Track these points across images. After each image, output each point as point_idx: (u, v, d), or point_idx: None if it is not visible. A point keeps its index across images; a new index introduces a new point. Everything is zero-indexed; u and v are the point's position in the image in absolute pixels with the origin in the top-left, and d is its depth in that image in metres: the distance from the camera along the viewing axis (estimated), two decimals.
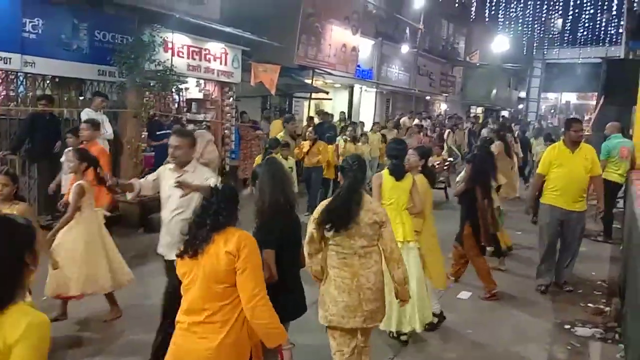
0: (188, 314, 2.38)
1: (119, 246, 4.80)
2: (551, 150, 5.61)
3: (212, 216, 2.38)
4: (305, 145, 9.20)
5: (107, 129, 7.31)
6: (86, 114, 7.08)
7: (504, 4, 28.15)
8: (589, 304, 5.41)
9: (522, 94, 37.31)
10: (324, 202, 3.24)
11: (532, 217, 7.79)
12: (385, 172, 4.45)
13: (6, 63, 6.89)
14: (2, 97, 7.50)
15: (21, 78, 7.52)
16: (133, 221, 7.57)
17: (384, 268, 3.26)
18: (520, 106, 37.21)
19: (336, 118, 15.19)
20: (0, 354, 1.53)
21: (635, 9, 14.86)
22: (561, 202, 5.41)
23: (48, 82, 7.91)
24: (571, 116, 31.98)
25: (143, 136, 8.59)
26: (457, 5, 24.41)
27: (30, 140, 7.00)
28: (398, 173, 4.34)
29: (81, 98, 8.27)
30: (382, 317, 3.31)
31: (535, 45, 35.25)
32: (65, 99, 8.06)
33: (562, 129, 5.37)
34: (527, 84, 37.05)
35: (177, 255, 2.41)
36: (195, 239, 2.36)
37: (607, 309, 5.19)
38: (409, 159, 4.63)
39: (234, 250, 2.30)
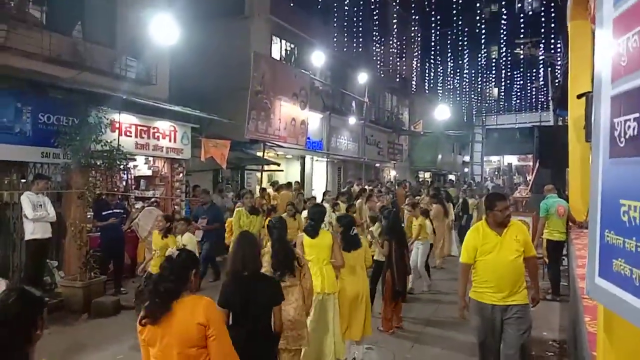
0: None
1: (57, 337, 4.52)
2: (474, 233, 4.35)
3: (166, 284, 2.55)
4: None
5: (50, 212, 7.11)
6: (27, 196, 6.87)
7: (441, 77, 30.11)
8: None
9: (467, 158, 39.09)
10: (265, 253, 4.02)
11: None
12: (304, 232, 5.04)
13: None
14: None
15: None
16: (76, 306, 7.17)
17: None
18: (466, 170, 38.85)
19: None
20: None
21: (558, 80, 16.20)
22: (494, 298, 4.18)
23: None
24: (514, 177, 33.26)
25: (89, 217, 8.35)
26: (398, 79, 25.92)
27: None
28: (312, 232, 4.91)
29: (23, 181, 8.04)
30: (306, 342, 4.10)
31: (474, 112, 37.53)
32: (6, 182, 7.81)
33: (486, 208, 4.33)
34: (470, 148, 38.94)
35: (139, 322, 2.54)
36: (155, 307, 2.51)
37: None
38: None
39: (204, 322, 2.49)
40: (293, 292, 3.99)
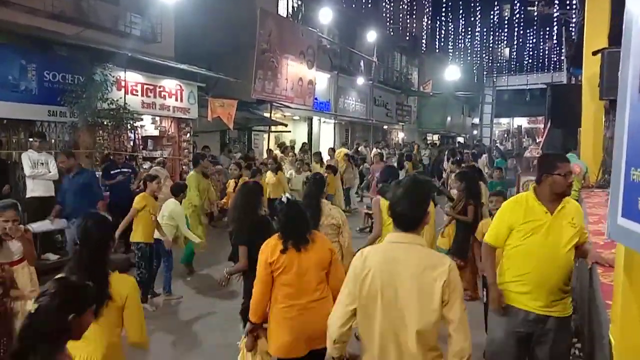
0: (302, 296, 3.03)
1: None
2: (513, 205, 3.11)
3: (307, 220, 3.23)
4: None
5: (51, 170, 7.06)
6: (27, 155, 6.86)
7: (452, 36, 29.45)
8: None
9: (476, 120, 38.65)
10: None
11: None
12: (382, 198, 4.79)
13: None
14: None
15: None
16: None
17: None
18: (475, 132, 38.49)
19: (297, 150, 15.38)
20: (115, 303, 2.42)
21: (572, 37, 15.76)
22: (531, 303, 2.95)
23: None
24: (524, 139, 32.94)
25: (97, 176, 8.37)
26: (408, 38, 25.35)
27: None
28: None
29: (31, 140, 8.03)
30: None
31: (485, 73, 36.84)
32: (14, 141, 7.81)
33: (537, 175, 3.11)
34: (480, 110, 38.43)
35: (281, 251, 3.00)
36: (300, 239, 3.07)
37: None
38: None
39: (332, 248, 3.22)
40: None
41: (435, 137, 31.38)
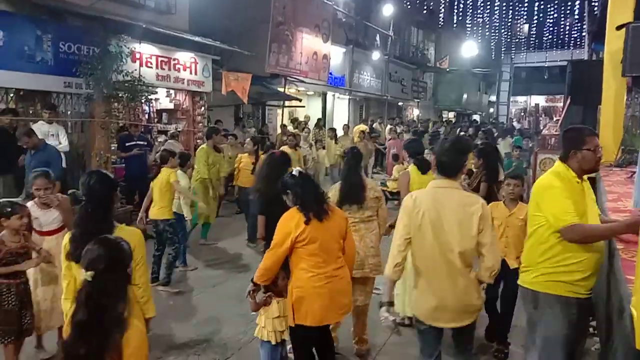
0: (328, 264, 3.18)
1: None
2: (564, 184, 2.83)
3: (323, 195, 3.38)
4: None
5: (62, 141, 7.10)
6: (38, 127, 6.88)
7: (470, 10, 28.75)
8: None
9: (492, 98, 38.05)
10: (336, 187, 4.11)
11: None
12: (412, 168, 4.86)
13: None
14: None
15: None
16: None
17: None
18: (491, 110, 37.92)
19: (312, 125, 15.31)
20: None
21: (595, 12, 15.32)
22: (583, 290, 2.83)
23: (12, 95, 7.70)
24: (541, 118, 32.38)
25: (113, 148, 8.43)
26: (425, 12, 24.83)
27: None
28: (423, 167, 4.78)
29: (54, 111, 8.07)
30: (382, 270, 3.84)
31: (503, 49, 36.06)
32: (31, 112, 7.85)
33: (563, 151, 2.95)
34: (497, 87, 37.78)
35: (305, 222, 3.11)
36: (322, 210, 3.19)
37: None
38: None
39: (345, 218, 3.47)
40: (372, 221, 4.13)
41: (451, 114, 30.99)
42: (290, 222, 3.15)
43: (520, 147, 9.84)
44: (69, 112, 8.39)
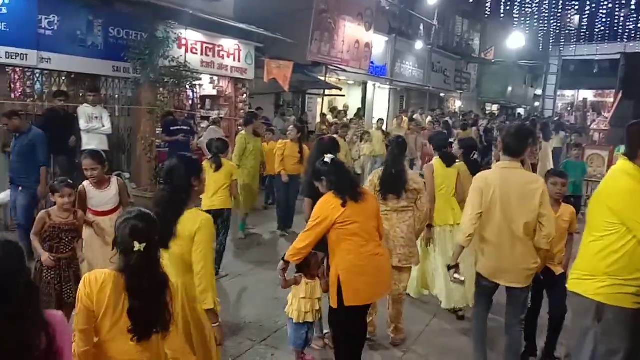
0: (369, 243, 3.29)
1: None
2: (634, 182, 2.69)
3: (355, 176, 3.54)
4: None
5: (106, 124, 7.25)
6: (83, 108, 7.07)
7: (519, 0, 27.82)
8: None
9: (538, 91, 36.83)
10: (378, 173, 4.18)
11: None
12: (436, 160, 4.87)
13: (22, 59, 6.95)
14: (19, 93, 7.58)
15: (37, 74, 7.58)
16: None
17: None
18: (537, 104, 36.74)
19: (351, 115, 15.23)
20: (183, 240, 2.56)
21: None
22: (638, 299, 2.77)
23: (64, 78, 7.98)
24: (589, 114, 31.18)
25: (157, 132, 8.62)
26: (471, 1, 24.17)
27: (47, 136, 7.02)
28: (448, 160, 4.83)
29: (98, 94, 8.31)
30: (416, 261, 4.23)
31: (551, 41, 34.75)
32: (81, 95, 8.12)
33: (628, 148, 2.79)
34: (543, 81, 36.50)
35: (342, 205, 3.23)
36: (357, 193, 3.33)
37: None
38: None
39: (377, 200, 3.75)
40: (407, 211, 4.15)
41: (495, 107, 30.20)
42: (327, 205, 3.27)
43: (580, 145, 9.24)
44: (116, 96, 8.63)
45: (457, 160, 4.95)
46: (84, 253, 3.87)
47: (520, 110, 31.07)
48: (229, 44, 10.54)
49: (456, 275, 3.50)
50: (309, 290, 3.62)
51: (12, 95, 7.45)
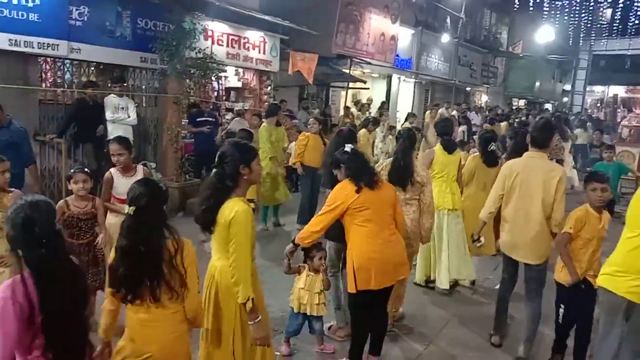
0: (382, 230, 3.37)
1: None
2: None
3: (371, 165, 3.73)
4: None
5: (131, 114, 7.30)
6: (110, 100, 7.17)
7: None
8: None
9: (567, 87, 35.99)
10: (387, 164, 4.30)
11: None
12: (437, 147, 5.15)
13: (54, 50, 7.06)
14: (49, 83, 7.73)
15: (67, 64, 7.72)
16: (172, 205, 7.67)
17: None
18: (565, 99, 35.93)
19: (375, 108, 15.13)
20: (221, 227, 2.59)
21: None
22: None
23: (92, 68, 8.10)
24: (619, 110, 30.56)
25: (183, 123, 8.71)
26: None
27: (76, 125, 7.17)
28: (449, 147, 5.10)
29: (124, 85, 8.41)
30: (412, 251, 4.27)
31: (581, 35, 33.86)
32: (109, 85, 8.23)
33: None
34: (573, 76, 35.63)
35: (356, 191, 3.31)
36: (373, 180, 3.39)
37: None
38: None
39: (395, 190, 3.69)
40: (412, 204, 4.21)
41: (522, 102, 29.65)
42: (342, 191, 3.37)
43: (612, 147, 8.89)
44: (143, 87, 8.73)
45: (458, 149, 5.36)
46: (111, 236, 3.91)
47: (548, 106, 30.41)
48: (254, 35, 10.56)
49: (478, 244, 4.10)
50: (308, 282, 3.74)
51: (43, 85, 7.60)
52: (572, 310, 3.70)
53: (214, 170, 2.74)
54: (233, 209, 2.57)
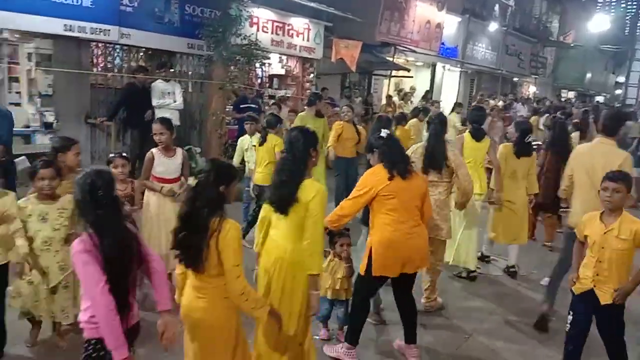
0: (406, 221, 3.34)
1: None
2: None
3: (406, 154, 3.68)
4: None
5: (177, 99, 7.40)
6: (157, 84, 7.27)
7: None
8: None
9: (621, 79, 34.44)
10: (418, 147, 4.36)
11: None
12: (466, 134, 5.28)
13: (105, 35, 7.25)
14: (100, 67, 7.97)
15: (117, 49, 7.92)
16: None
17: None
18: (618, 91, 34.38)
19: (417, 98, 14.89)
20: (301, 206, 2.73)
21: None
22: None
23: (142, 53, 8.28)
24: None
25: (227, 109, 8.81)
26: None
27: (125, 109, 7.37)
28: (478, 135, 5.20)
29: (171, 70, 8.58)
30: (446, 234, 4.31)
31: (639, 24, 32.28)
32: (157, 70, 8.39)
33: None
34: (627, 67, 34.08)
35: (388, 178, 3.30)
36: (405, 169, 3.36)
37: None
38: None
39: (426, 182, 3.70)
40: (437, 186, 4.24)
41: (571, 94, 28.57)
42: (374, 176, 3.37)
43: None
44: (189, 73, 8.87)
45: (486, 136, 5.37)
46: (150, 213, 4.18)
47: (599, 98, 29.19)
48: (298, 22, 10.54)
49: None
50: (330, 266, 3.75)
51: (94, 70, 7.84)
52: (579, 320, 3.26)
53: (284, 155, 2.93)
54: (313, 187, 2.78)
